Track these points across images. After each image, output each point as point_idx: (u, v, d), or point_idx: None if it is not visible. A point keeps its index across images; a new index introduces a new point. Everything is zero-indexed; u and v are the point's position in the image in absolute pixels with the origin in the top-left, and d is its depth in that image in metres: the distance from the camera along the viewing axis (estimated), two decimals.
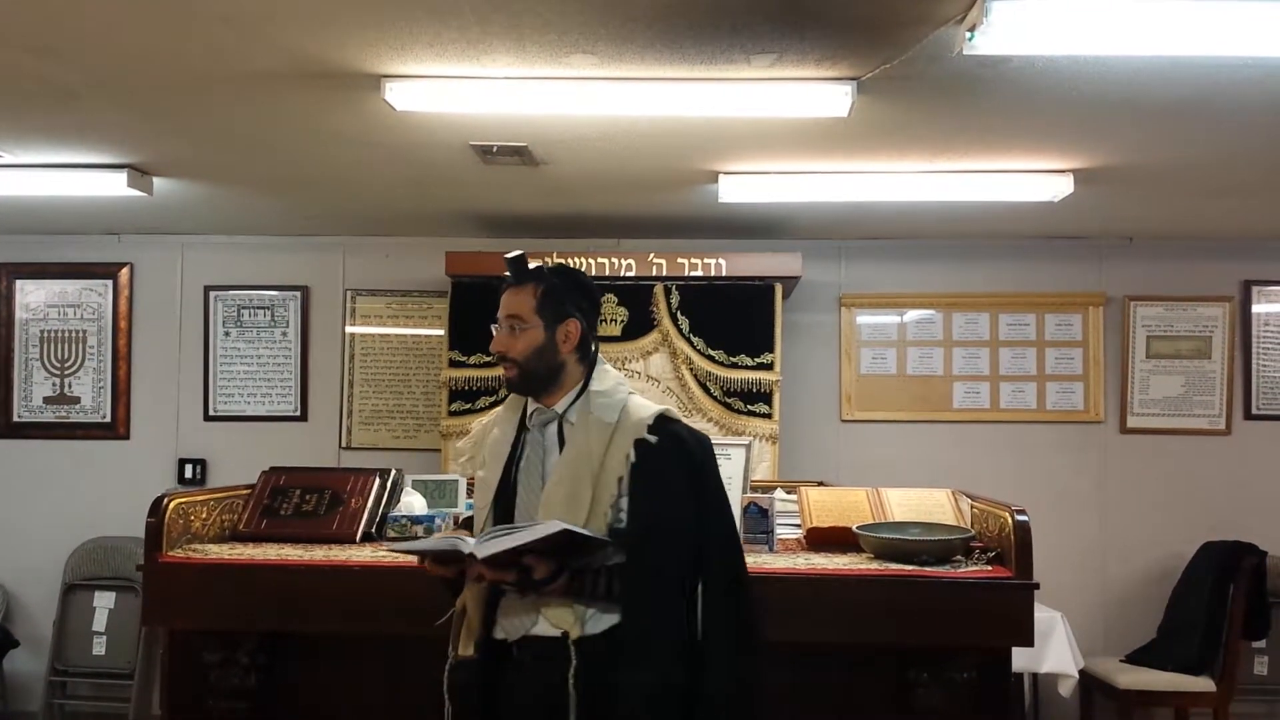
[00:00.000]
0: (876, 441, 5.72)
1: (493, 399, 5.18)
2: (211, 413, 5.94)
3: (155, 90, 3.53)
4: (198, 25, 2.97)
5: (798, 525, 3.56)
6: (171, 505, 3.26)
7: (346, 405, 5.90)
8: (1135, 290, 5.74)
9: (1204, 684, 4.94)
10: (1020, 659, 4.01)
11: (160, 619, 3.44)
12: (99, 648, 5.66)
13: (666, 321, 5.27)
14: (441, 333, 5.57)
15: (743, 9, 2.81)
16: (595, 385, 2.51)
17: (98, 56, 3.23)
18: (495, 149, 4.07)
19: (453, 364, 5.32)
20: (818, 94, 3.33)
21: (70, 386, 5.98)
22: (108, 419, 5.95)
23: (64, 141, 4.15)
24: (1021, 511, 3.08)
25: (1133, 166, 4.29)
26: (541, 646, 2.38)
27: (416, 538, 3.45)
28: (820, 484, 4.26)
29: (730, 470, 3.30)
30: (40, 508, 5.89)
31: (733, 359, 5.25)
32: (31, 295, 6.01)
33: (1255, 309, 5.74)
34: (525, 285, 2.51)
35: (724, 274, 5.26)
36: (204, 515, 3.45)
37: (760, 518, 3.39)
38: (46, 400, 5.98)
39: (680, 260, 5.27)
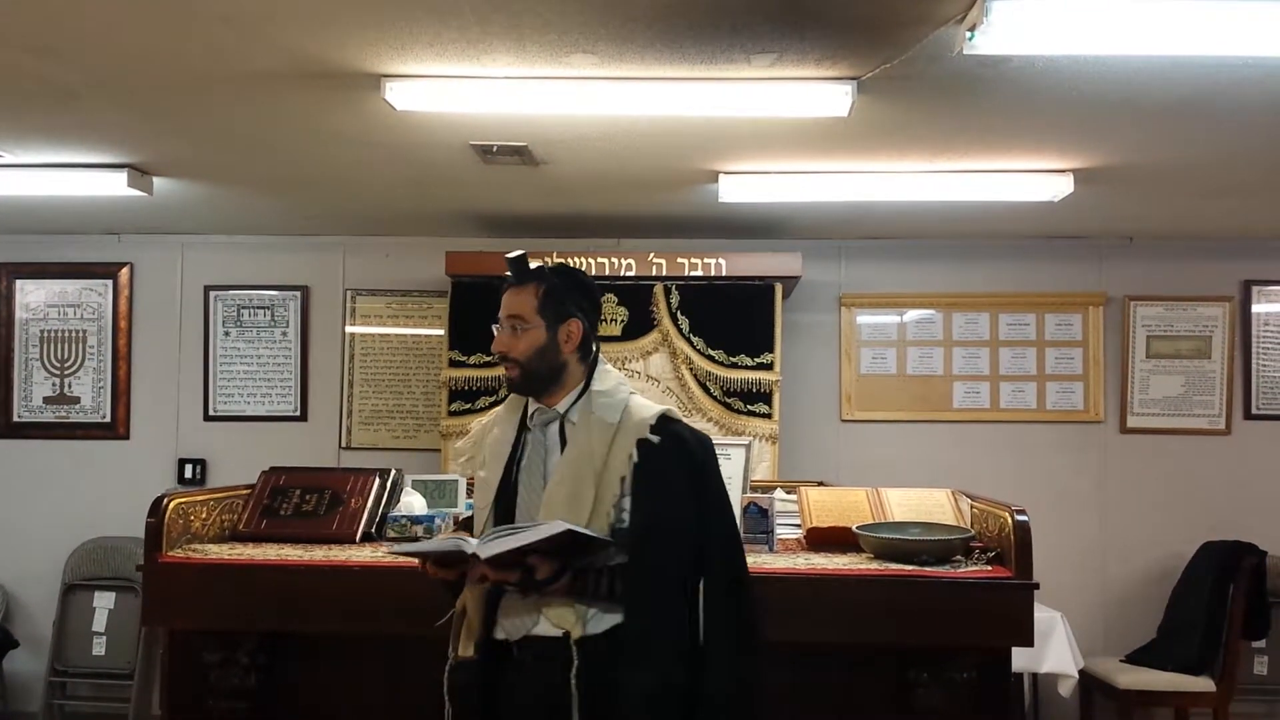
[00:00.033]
0: (876, 441, 5.72)
1: (493, 399, 5.18)
2: (211, 413, 5.94)
3: (155, 90, 3.53)
4: (198, 25, 2.97)
5: (798, 525, 3.56)
6: (171, 505, 3.26)
7: (346, 405, 5.90)
8: (1135, 290, 5.74)
9: (1204, 684, 4.94)
10: (1020, 659, 4.01)
11: (160, 619, 3.44)
12: (99, 648, 5.66)
13: (666, 321, 5.27)
14: (441, 333, 5.57)
15: (743, 9, 2.81)
16: (597, 385, 2.51)
17: (98, 56, 3.23)
18: (495, 149, 4.07)
19: (453, 364, 5.32)
20: (818, 94, 3.33)
21: (70, 386, 5.98)
22: (107, 419, 5.95)
23: (64, 141, 4.15)
24: (1021, 511, 3.08)
25: (1133, 166, 4.29)
26: (542, 646, 2.38)
27: (417, 538, 3.45)
28: (820, 484, 4.26)
29: (730, 470, 3.30)
30: (40, 508, 5.89)
31: (733, 359, 5.25)
32: (31, 295, 6.01)
33: (1255, 309, 5.74)
34: (527, 285, 2.51)
35: (724, 274, 5.26)
36: (204, 515, 3.45)
37: (760, 518, 3.39)
38: (46, 400, 5.98)
39: (680, 260, 5.27)
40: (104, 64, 3.29)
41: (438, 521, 3.51)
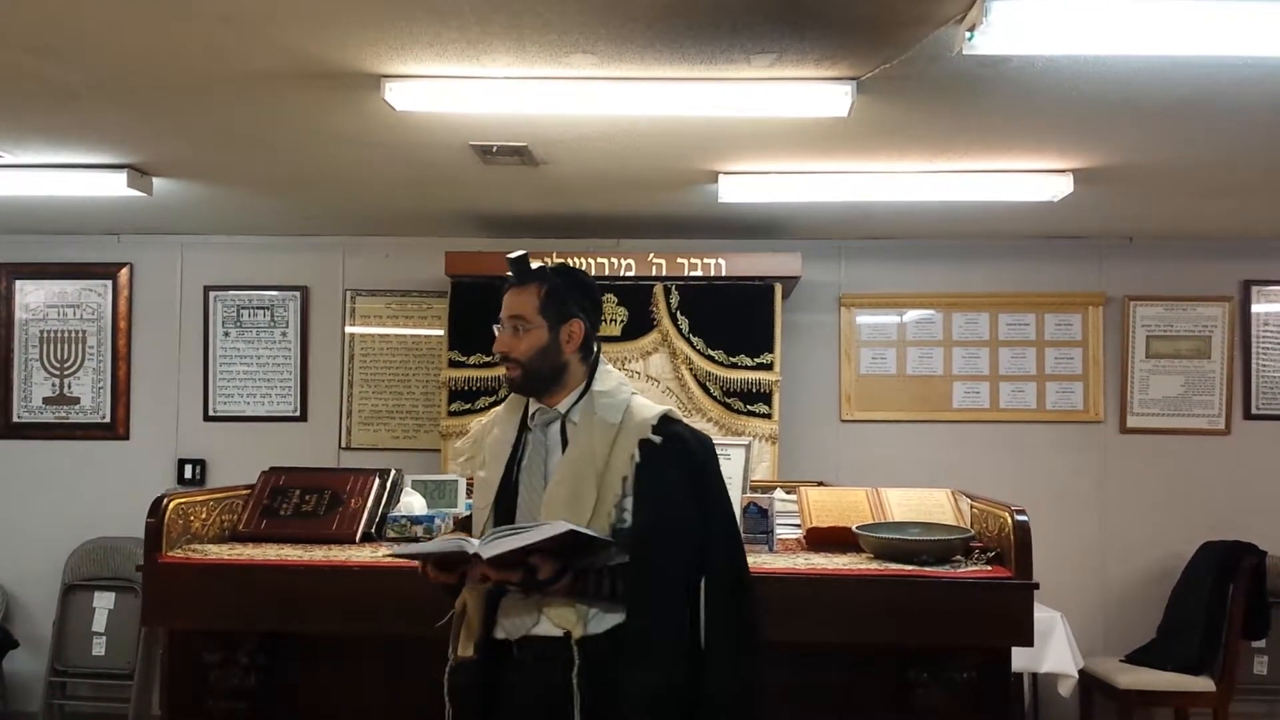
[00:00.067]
0: (876, 441, 5.72)
1: (492, 399, 5.18)
2: (211, 413, 5.94)
3: (155, 90, 3.53)
4: (198, 25, 2.97)
5: (797, 525, 3.56)
6: (171, 505, 3.25)
7: (346, 405, 5.90)
8: (1135, 290, 5.74)
9: (1204, 684, 4.94)
10: (1020, 659, 4.01)
11: (160, 619, 3.44)
12: (99, 648, 5.66)
13: (666, 321, 5.27)
14: (441, 333, 5.57)
15: (743, 9, 2.81)
16: (598, 385, 2.51)
17: (98, 56, 3.23)
18: (495, 149, 4.07)
19: (452, 364, 5.32)
20: (818, 94, 3.33)
21: (70, 387, 5.98)
22: (107, 419, 5.95)
23: (64, 141, 4.15)
24: (1021, 511, 3.08)
25: (1132, 166, 4.29)
26: (543, 646, 2.38)
27: (417, 539, 3.45)
28: (820, 484, 4.26)
29: (730, 470, 3.29)
30: (40, 508, 5.89)
31: (732, 359, 5.25)
32: (31, 295, 6.01)
33: (1255, 309, 5.74)
34: (528, 285, 2.51)
35: (724, 274, 5.26)
36: (204, 515, 3.45)
37: (760, 518, 3.39)
38: (46, 400, 5.98)
39: (680, 260, 5.27)
40: (104, 64, 3.29)
41: (438, 521, 3.51)
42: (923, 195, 4.53)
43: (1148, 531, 5.65)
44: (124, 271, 5.97)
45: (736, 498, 3.33)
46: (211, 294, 5.95)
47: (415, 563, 2.50)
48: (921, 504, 3.58)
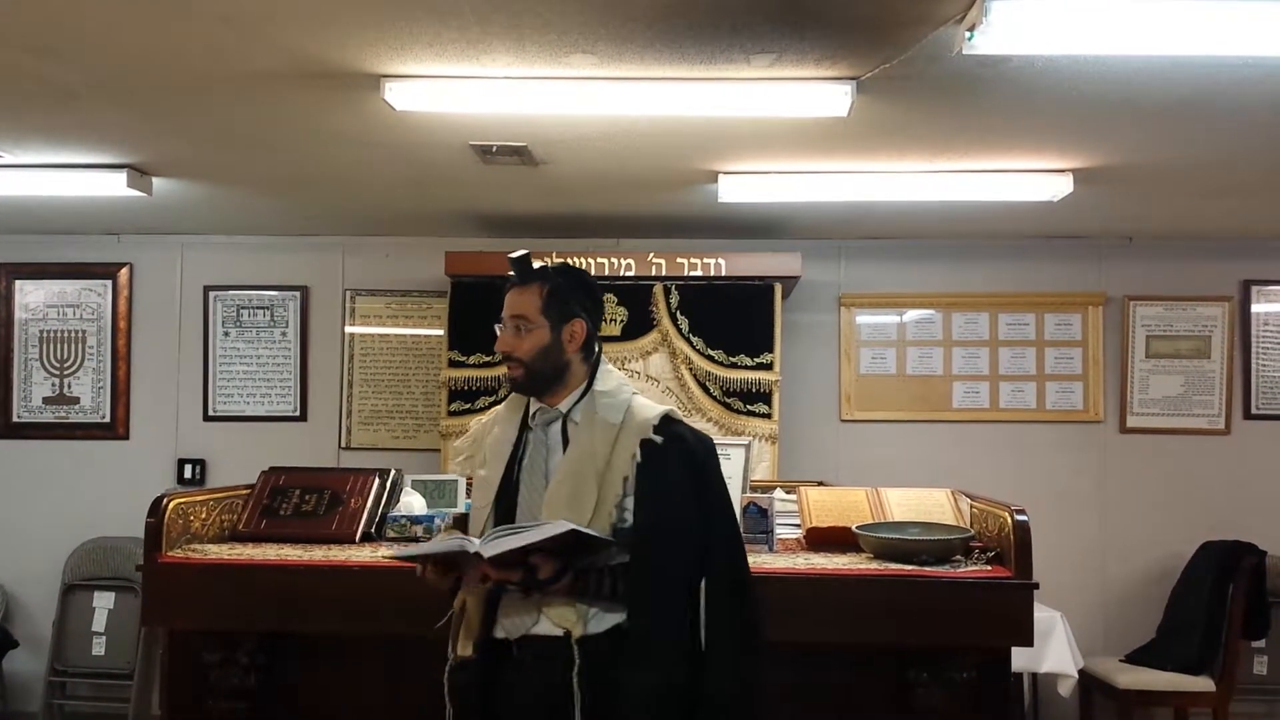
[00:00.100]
0: (876, 441, 5.72)
1: (492, 399, 5.18)
2: (211, 413, 5.94)
3: (155, 90, 3.53)
4: (198, 25, 2.97)
5: (797, 525, 3.56)
6: (171, 505, 3.25)
7: (346, 405, 5.90)
8: (1135, 290, 5.74)
9: (1204, 684, 4.94)
10: (1020, 659, 4.01)
11: (160, 619, 3.44)
12: (98, 648, 5.66)
13: (666, 321, 5.27)
14: (441, 333, 5.57)
15: (743, 9, 2.81)
16: (599, 385, 2.52)
17: (98, 56, 3.23)
18: (495, 149, 4.07)
19: (452, 364, 5.32)
20: (817, 94, 3.33)
21: (70, 387, 5.98)
22: (107, 419, 5.95)
23: (64, 141, 4.15)
24: (1021, 511, 3.08)
25: (1132, 166, 4.29)
26: (543, 646, 2.38)
27: (417, 538, 3.45)
28: (820, 484, 4.26)
29: (730, 470, 3.29)
30: (40, 508, 5.89)
31: (732, 359, 5.25)
32: (31, 295, 6.00)
33: (1255, 309, 5.74)
34: (530, 285, 2.51)
35: (723, 274, 5.26)
36: (203, 515, 3.45)
37: (760, 518, 3.39)
38: (46, 400, 5.98)
39: (680, 260, 5.27)
40: (104, 64, 3.29)
41: (437, 521, 3.51)
42: (923, 195, 4.53)
43: (1147, 531, 5.65)
44: (124, 271, 5.97)
45: (736, 497, 3.33)
46: (211, 294, 5.95)
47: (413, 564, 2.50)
48: (921, 504, 3.58)
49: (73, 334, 5.99)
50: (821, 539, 3.44)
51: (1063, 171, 4.34)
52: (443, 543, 2.42)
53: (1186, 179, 4.48)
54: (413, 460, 5.49)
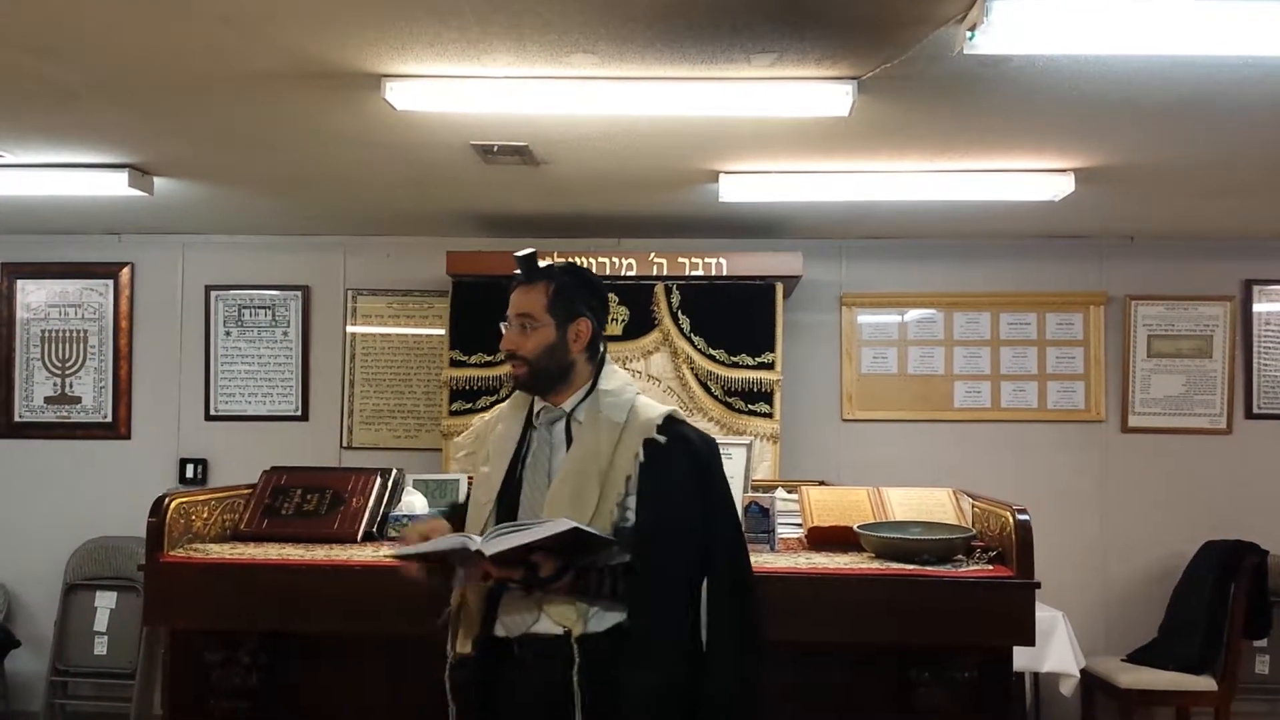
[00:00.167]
0: (877, 441, 5.72)
1: (494, 398, 5.18)
2: (212, 412, 5.94)
3: (155, 90, 3.53)
4: (198, 25, 2.97)
5: (799, 525, 3.56)
6: (173, 505, 3.26)
7: (347, 405, 5.90)
8: (1136, 289, 5.74)
9: (1205, 683, 4.93)
10: (1021, 658, 4.00)
11: (162, 619, 3.44)
12: (100, 647, 5.66)
13: (667, 321, 5.27)
14: (442, 332, 5.57)
15: (743, 9, 2.81)
16: (604, 384, 2.52)
17: (98, 56, 3.23)
18: (496, 149, 4.08)
19: (454, 364, 5.32)
20: (818, 93, 3.33)
21: (71, 386, 5.98)
22: (109, 419, 5.95)
23: (64, 141, 4.15)
24: (1022, 511, 3.08)
25: (1133, 166, 4.28)
26: (543, 644, 2.38)
27: None
28: (821, 483, 4.26)
29: (731, 470, 3.29)
30: (41, 508, 5.89)
31: (734, 358, 5.25)
32: (32, 295, 6.01)
33: (1256, 308, 5.74)
34: (536, 284, 2.51)
35: (725, 273, 5.25)
36: (205, 515, 3.45)
37: (761, 517, 3.39)
38: (48, 400, 5.99)
39: (681, 260, 5.27)
40: (104, 64, 3.29)
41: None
42: (924, 195, 4.53)
43: (1149, 531, 5.65)
44: (125, 271, 5.97)
45: (738, 497, 3.33)
46: (213, 293, 5.95)
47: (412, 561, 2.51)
48: (923, 503, 3.57)
49: (74, 334, 5.99)
50: (823, 538, 3.44)
51: (1064, 171, 4.34)
52: (444, 540, 2.42)
53: (1187, 179, 4.48)
54: (414, 460, 5.49)
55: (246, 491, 3.68)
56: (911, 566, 3.10)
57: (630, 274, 5.26)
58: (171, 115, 3.81)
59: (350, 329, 5.92)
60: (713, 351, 5.24)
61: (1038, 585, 3.02)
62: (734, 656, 2.36)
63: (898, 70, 3.18)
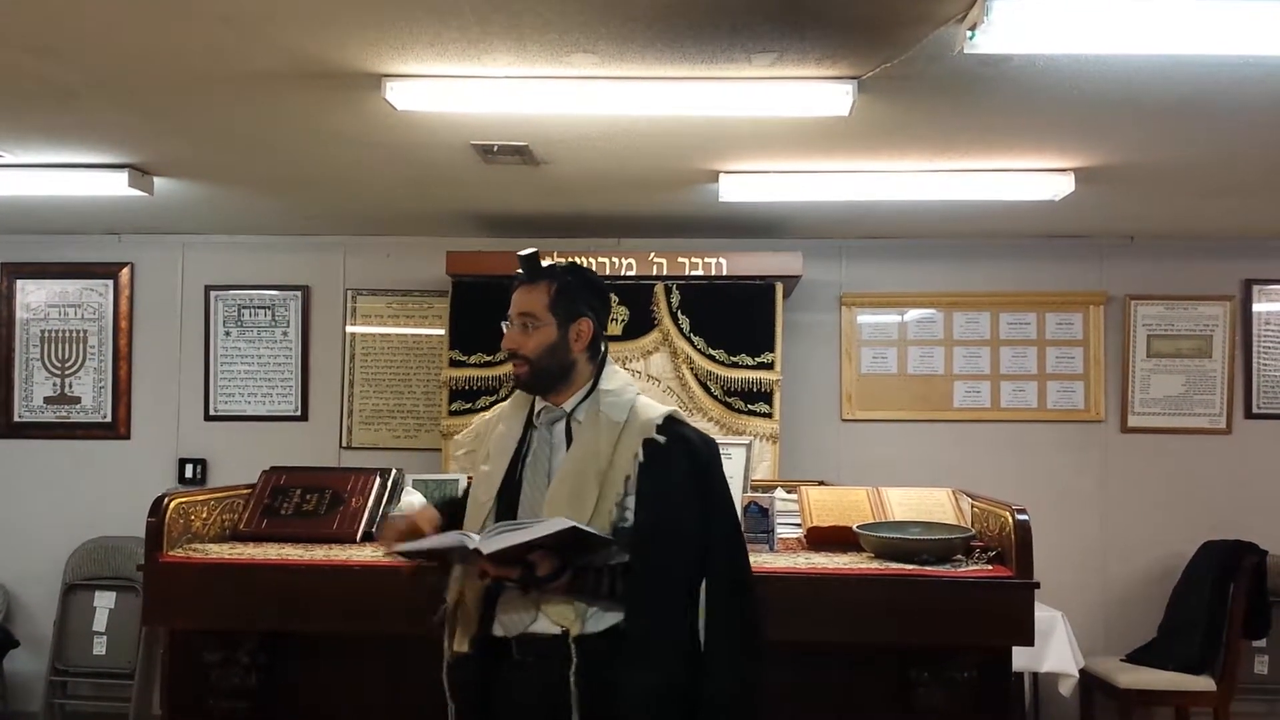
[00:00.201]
0: (877, 441, 5.72)
1: (493, 398, 5.18)
2: (212, 412, 5.94)
3: (155, 90, 3.53)
4: (198, 25, 2.97)
5: (798, 525, 3.55)
6: (172, 505, 3.26)
7: (347, 405, 5.90)
8: (1136, 289, 5.74)
9: (1204, 683, 4.93)
10: (1021, 658, 4.00)
11: (161, 619, 3.44)
12: (99, 647, 5.66)
13: (667, 321, 5.27)
14: (442, 332, 5.57)
15: (743, 9, 2.81)
16: (604, 384, 2.52)
17: (98, 56, 3.23)
18: (496, 148, 4.07)
19: (453, 364, 5.32)
20: (818, 93, 3.33)
21: (71, 386, 5.98)
22: (108, 419, 5.95)
23: (64, 141, 4.15)
24: (1022, 511, 3.08)
25: (1133, 166, 4.28)
26: (541, 644, 2.37)
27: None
28: (821, 483, 4.26)
29: (731, 470, 3.29)
30: (41, 508, 5.89)
31: (733, 358, 5.25)
32: (32, 295, 6.01)
33: (1256, 308, 5.74)
34: (539, 283, 2.51)
35: (724, 273, 5.25)
36: (204, 515, 3.45)
37: (761, 517, 3.39)
38: (47, 400, 5.98)
39: (681, 260, 5.27)
40: (104, 64, 3.29)
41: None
42: (924, 194, 4.53)
43: (1149, 531, 5.65)
44: (125, 271, 5.97)
45: (737, 497, 3.33)
46: (212, 293, 5.95)
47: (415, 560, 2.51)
48: (922, 503, 3.57)
49: (74, 334, 5.99)
50: (822, 538, 3.44)
51: (1064, 171, 4.34)
52: (442, 538, 2.42)
53: (1187, 178, 4.48)
54: (413, 460, 5.49)
55: (246, 491, 3.68)
56: (911, 566, 3.10)
57: (630, 274, 5.26)
58: (171, 115, 3.81)
59: (350, 329, 5.92)
60: (712, 351, 5.24)
61: (1037, 585, 3.02)
62: (733, 657, 2.36)
63: (898, 70, 3.18)
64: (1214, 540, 5.33)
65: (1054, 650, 4.68)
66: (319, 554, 3.29)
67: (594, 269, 5.08)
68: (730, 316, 5.25)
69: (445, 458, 5.27)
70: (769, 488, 3.90)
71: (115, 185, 4.52)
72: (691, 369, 5.24)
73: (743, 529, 2.61)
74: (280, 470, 3.76)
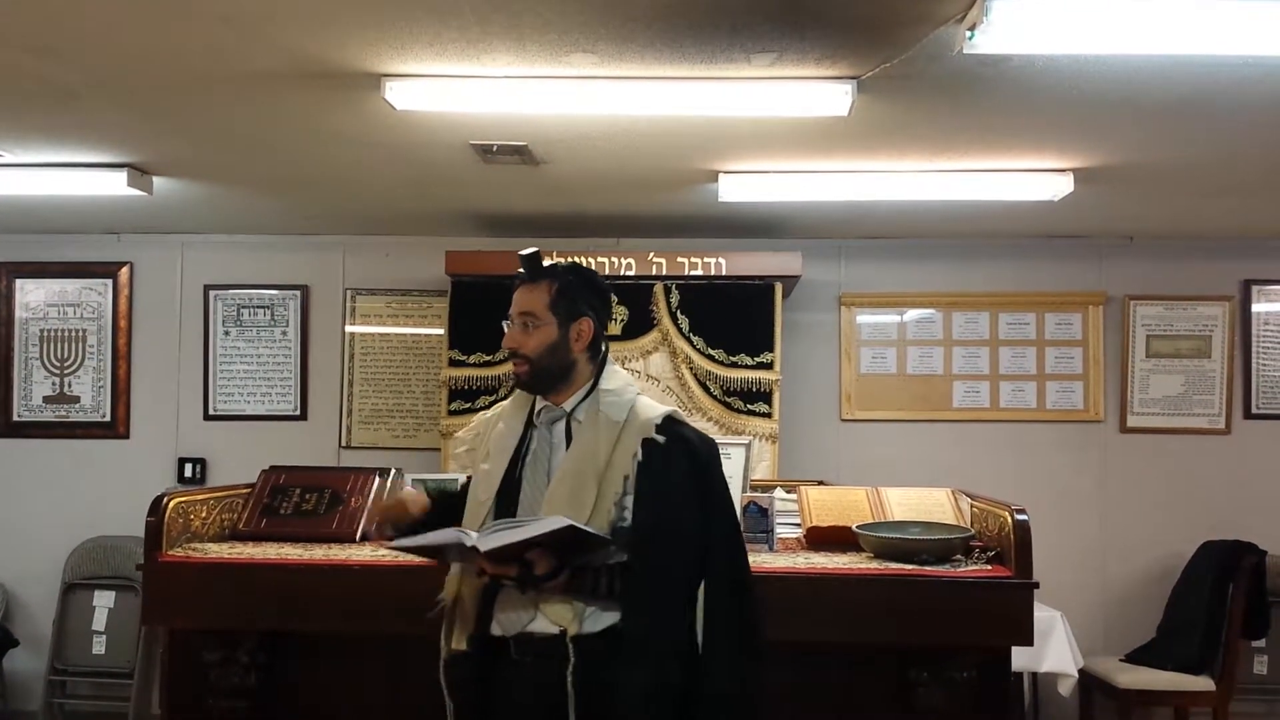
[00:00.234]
0: (876, 441, 5.72)
1: (493, 398, 5.17)
2: (211, 412, 5.94)
3: (155, 90, 3.53)
4: (198, 25, 2.97)
5: (798, 524, 3.56)
6: (171, 504, 3.26)
7: (346, 404, 5.90)
8: (1135, 289, 5.74)
9: (1204, 683, 4.93)
10: (1020, 658, 4.00)
11: (160, 618, 3.44)
12: (99, 647, 5.66)
13: (666, 321, 5.27)
14: (441, 332, 5.56)
15: (743, 8, 2.81)
16: (604, 384, 2.52)
17: (98, 56, 3.23)
18: (495, 148, 4.07)
19: (452, 363, 5.32)
20: (818, 93, 3.33)
21: (70, 386, 5.98)
22: (107, 418, 5.95)
23: (64, 141, 4.15)
24: (1021, 511, 3.08)
25: (1133, 166, 4.29)
26: (539, 644, 2.37)
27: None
28: (820, 483, 4.26)
29: (730, 470, 3.29)
30: (40, 507, 5.88)
31: (733, 358, 5.25)
32: (31, 294, 6.00)
33: (1255, 308, 5.74)
34: (540, 282, 2.51)
35: (724, 273, 5.25)
36: (204, 514, 3.45)
37: (760, 517, 3.39)
38: (46, 399, 5.98)
39: (680, 259, 5.27)
40: (104, 64, 3.29)
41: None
42: (923, 195, 4.53)
43: (1148, 531, 5.65)
44: (124, 270, 5.97)
45: (737, 497, 3.33)
46: (212, 293, 5.95)
47: (414, 558, 2.51)
48: (921, 503, 3.58)
49: (73, 333, 5.99)
50: (822, 538, 3.44)
51: (1063, 171, 4.34)
52: (439, 534, 2.42)
53: (1187, 178, 4.48)
54: (413, 459, 5.49)
55: (245, 491, 3.68)
56: (910, 566, 3.11)
57: (629, 274, 5.25)
58: (171, 115, 3.81)
59: (349, 329, 5.92)
60: (712, 351, 5.24)
61: (1036, 585, 3.02)
62: (732, 657, 2.36)
63: (897, 70, 3.18)
64: (1213, 540, 5.33)
65: (1053, 650, 4.68)
66: (318, 553, 3.29)
67: (594, 269, 5.15)
68: (729, 316, 5.25)
69: (444, 457, 5.27)
70: (768, 488, 3.90)
71: (115, 185, 4.52)
72: (691, 369, 5.24)
73: (742, 529, 2.61)
74: (279, 470, 3.76)
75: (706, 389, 5.23)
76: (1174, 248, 5.73)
